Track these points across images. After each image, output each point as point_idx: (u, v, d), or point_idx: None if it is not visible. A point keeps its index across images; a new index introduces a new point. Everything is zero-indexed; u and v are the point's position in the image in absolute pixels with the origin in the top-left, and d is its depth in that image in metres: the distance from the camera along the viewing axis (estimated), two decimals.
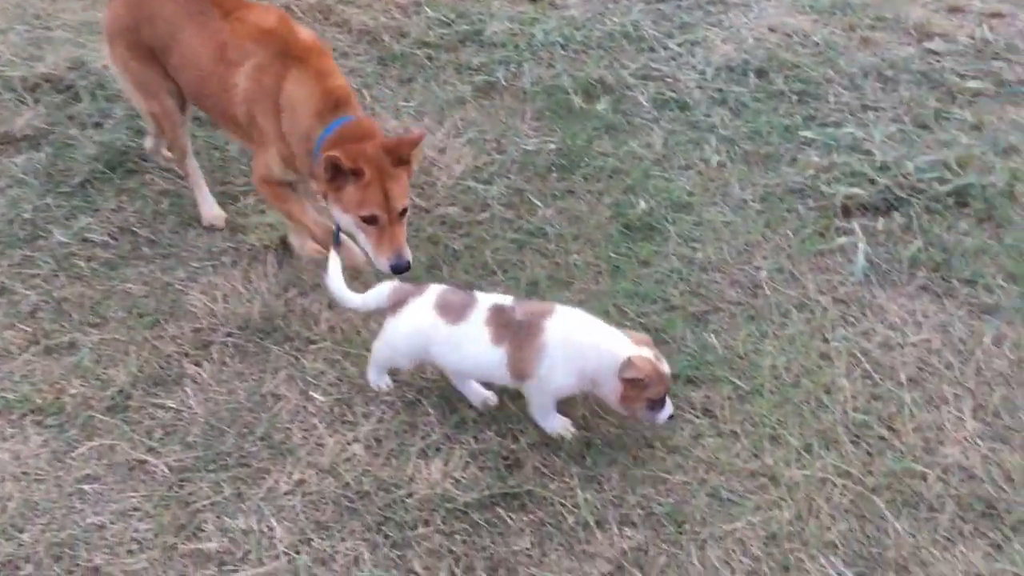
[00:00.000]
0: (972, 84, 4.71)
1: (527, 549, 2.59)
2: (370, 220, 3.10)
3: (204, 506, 2.71)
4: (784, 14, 5.45)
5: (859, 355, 3.19)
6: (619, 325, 3.24)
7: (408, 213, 3.22)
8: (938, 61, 4.94)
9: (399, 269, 3.12)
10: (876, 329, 3.30)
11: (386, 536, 2.63)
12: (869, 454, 2.85)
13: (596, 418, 2.97)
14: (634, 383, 2.69)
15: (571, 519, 2.67)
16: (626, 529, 2.65)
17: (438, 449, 2.88)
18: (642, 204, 3.88)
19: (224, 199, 3.94)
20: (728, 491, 2.74)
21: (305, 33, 3.39)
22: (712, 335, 3.28)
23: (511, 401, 3.00)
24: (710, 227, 3.82)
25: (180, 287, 3.48)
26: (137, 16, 3.50)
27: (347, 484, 2.77)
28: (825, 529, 2.63)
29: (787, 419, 2.97)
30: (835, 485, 2.75)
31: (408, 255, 3.15)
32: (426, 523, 2.65)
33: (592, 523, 2.65)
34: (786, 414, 2.98)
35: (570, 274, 3.59)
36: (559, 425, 2.89)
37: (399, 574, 2.53)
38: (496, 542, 2.61)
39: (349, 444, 2.89)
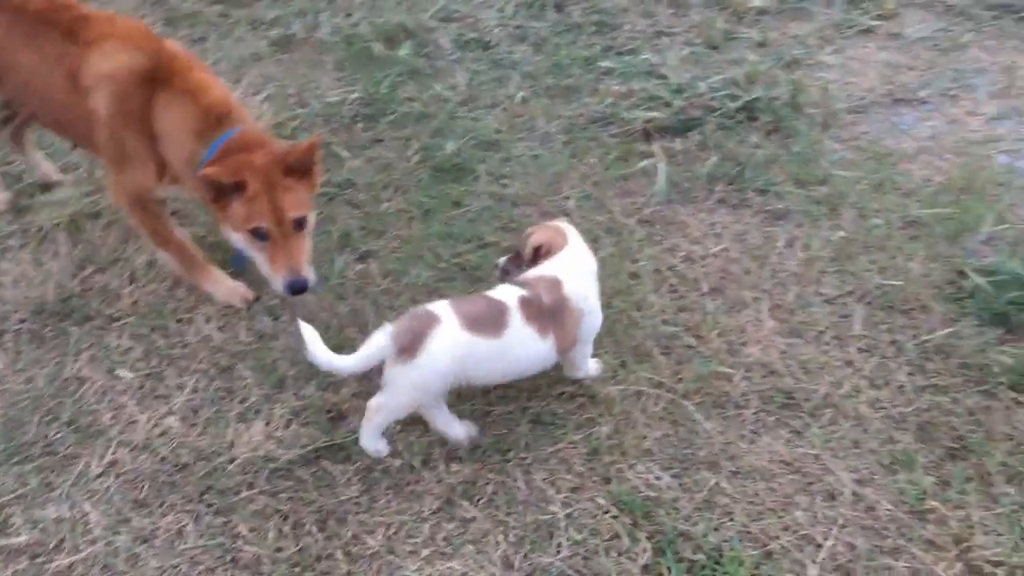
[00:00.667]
0: (757, 3, 4.92)
1: (355, 497, 2.58)
2: (259, 235, 2.82)
3: (9, 500, 2.56)
4: None
5: (665, 270, 3.32)
6: (435, 267, 3.26)
7: (311, 226, 2.95)
8: None
9: (295, 288, 2.84)
10: (680, 244, 3.44)
11: (208, 505, 2.56)
12: (679, 363, 2.97)
13: None
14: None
15: (398, 463, 2.67)
16: (453, 464, 2.67)
17: (257, 411, 2.82)
18: (450, 146, 3.88)
19: (7, 180, 3.68)
20: (550, 415, 2.81)
21: (169, 45, 3.08)
22: None
23: None
24: (518, 162, 3.86)
25: None
26: None
27: (163, 459, 2.68)
28: (641, 438, 2.74)
29: (602, 339, 3.04)
30: (649, 396, 2.86)
31: (307, 272, 2.86)
32: (250, 486, 2.60)
33: (418, 464, 2.67)
34: (601, 335, 3.06)
35: (382, 222, 3.55)
36: (595, 364, 2.91)
37: (225, 540, 2.47)
38: (324, 494, 2.58)
39: (163, 418, 2.80)
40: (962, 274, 3.23)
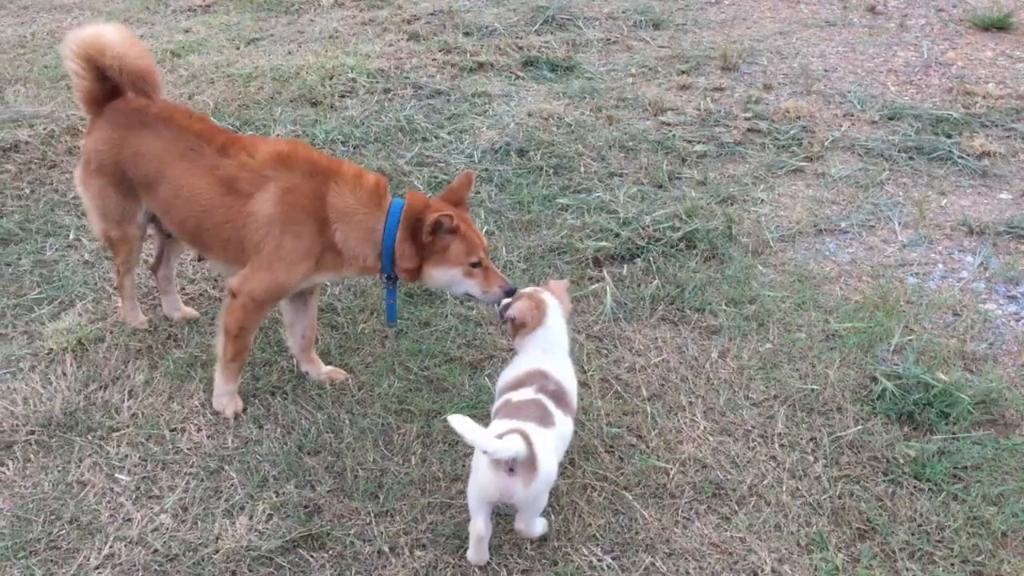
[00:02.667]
0: (698, 148, 5.50)
1: None
2: (476, 264, 3.36)
3: None
4: (541, 101, 6.16)
5: (611, 379, 3.71)
6: (405, 379, 3.64)
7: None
8: (670, 131, 5.73)
9: (511, 292, 3.33)
10: (624, 356, 3.84)
11: None
12: (621, 459, 3.33)
13: (386, 460, 3.31)
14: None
15: (368, 549, 2.98)
16: (418, 551, 2.98)
17: (242, 507, 3.13)
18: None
19: (19, 311, 4.09)
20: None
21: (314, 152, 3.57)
22: (487, 378, 3.71)
23: (308, 456, 3.31)
24: None
25: None
26: (119, 153, 3.59)
27: (156, 551, 2.97)
28: (587, 526, 3.06)
29: None
30: (594, 488, 3.20)
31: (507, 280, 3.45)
32: (232, 573, 2.89)
33: (387, 550, 2.98)
34: None
35: (358, 342, 3.95)
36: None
37: None
38: None
39: (156, 515, 3.10)
40: (873, 379, 3.64)
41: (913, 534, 3.01)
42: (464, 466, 3.26)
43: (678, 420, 3.51)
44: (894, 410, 3.49)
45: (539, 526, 2.98)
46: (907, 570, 2.88)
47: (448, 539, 3.01)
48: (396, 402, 3.57)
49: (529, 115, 5.93)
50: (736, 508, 3.13)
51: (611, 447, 3.39)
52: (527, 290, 3.28)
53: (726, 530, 3.05)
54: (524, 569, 2.92)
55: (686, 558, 2.95)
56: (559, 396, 2.98)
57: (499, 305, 3.32)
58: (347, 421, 3.49)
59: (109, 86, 3.59)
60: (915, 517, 3.07)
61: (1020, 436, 3.39)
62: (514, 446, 2.62)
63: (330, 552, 2.97)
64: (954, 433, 3.38)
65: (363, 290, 4.26)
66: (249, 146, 3.49)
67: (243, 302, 3.42)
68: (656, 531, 3.05)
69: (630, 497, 3.16)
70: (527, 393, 2.95)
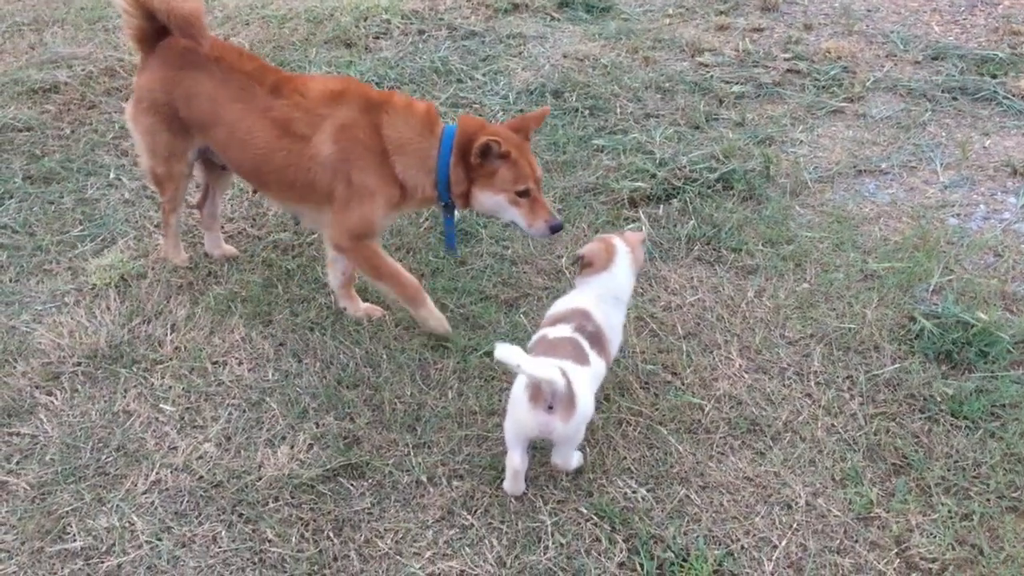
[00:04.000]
0: (736, 89, 5.42)
1: (368, 508, 2.94)
2: (523, 193, 3.35)
3: (66, 512, 2.93)
4: (576, 42, 6.08)
5: (647, 318, 3.71)
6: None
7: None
8: (708, 72, 5.66)
9: (557, 228, 3.39)
10: (660, 295, 3.84)
11: (240, 515, 2.93)
12: (656, 395, 3.35)
13: (423, 394, 3.35)
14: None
15: (406, 479, 3.04)
16: (455, 481, 3.03)
17: (283, 437, 3.20)
18: (457, 213, 4.32)
19: (62, 247, 4.16)
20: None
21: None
22: (522, 316, 3.74)
23: (347, 389, 3.36)
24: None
25: (26, 329, 3.67)
26: (172, 92, 3.60)
27: (201, 477, 3.05)
28: (621, 459, 3.10)
29: None
30: (629, 423, 3.23)
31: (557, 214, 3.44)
32: (276, 499, 2.97)
33: (425, 480, 3.03)
34: None
35: None
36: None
37: (254, 544, 2.83)
38: (340, 506, 2.94)
39: (200, 444, 3.18)
40: (912, 319, 3.61)
41: (949, 470, 3.01)
42: (500, 401, 3.30)
43: (713, 358, 3.52)
44: (932, 349, 3.46)
45: (575, 460, 3.02)
46: (942, 504, 2.89)
47: (484, 470, 3.06)
48: (433, 339, 3.61)
49: (564, 56, 5.87)
50: (771, 444, 3.15)
51: (646, 383, 3.41)
52: (605, 236, 3.28)
53: (760, 464, 3.08)
54: (560, 500, 2.96)
55: (720, 491, 2.98)
56: (596, 338, 2.99)
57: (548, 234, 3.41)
58: (385, 356, 3.53)
59: (159, 25, 3.59)
60: (951, 453, 3.07)
61: None
62: (555, 376, 2.65)
63: (369, 481, 3.03)
64: (993, 372, 3.36)
65: (399, 229, 4.28)
66: (301, 86, 3.50)
67: (350, 247, 3.50)
68: (690, 465, 3.08)
69: (665, 432, 3.19)
70: (564, 331, 2.97)
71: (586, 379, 2.85)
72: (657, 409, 3.29)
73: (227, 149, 3.63)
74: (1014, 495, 2.92)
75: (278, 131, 3.46)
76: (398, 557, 2.79)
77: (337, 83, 3.52)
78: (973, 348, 3.43)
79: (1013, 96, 5.22)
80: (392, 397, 3.34)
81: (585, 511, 2.91)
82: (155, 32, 3.62)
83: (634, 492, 2.98)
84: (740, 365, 3.48)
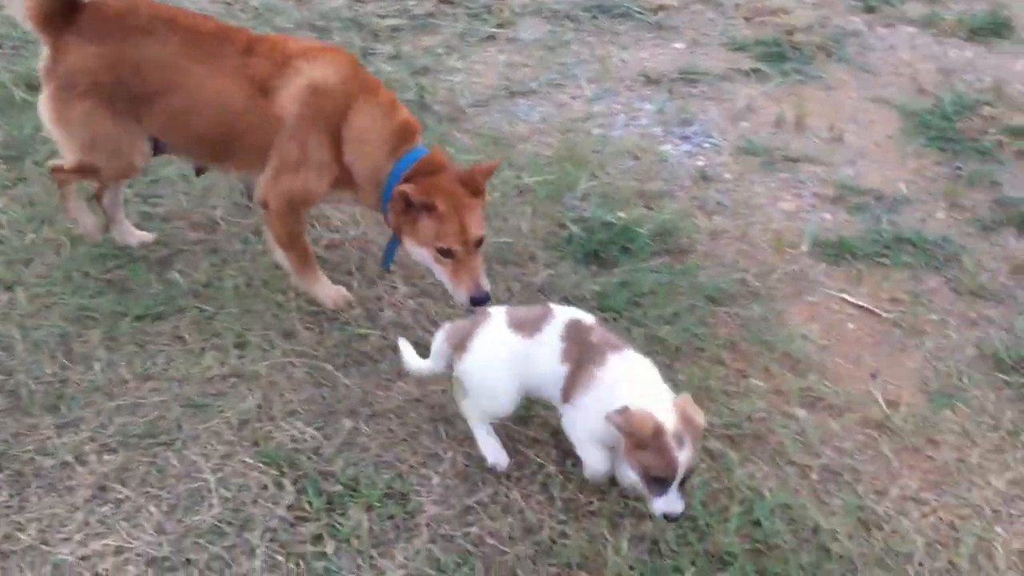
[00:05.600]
0: (390, 22, 5.41)
1: (5, 502, 2.66)
2: (446, 253, 3.03)
3: None
4: None
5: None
6: (84, 286, 3.38)
7: (484, 243, 3.16)
8: (362, 7, 5.59)
9: (479, 301, 3.02)
10: (323, 234, 3.79)
11: None
12: (321, 333, 3.29)
13: (66, 371, 3.08)
14: (627, 437, 2.38)
15: (50, 463, 2.77)
16: (106, 456, 2.81)
17: None
18: None
19: None
20: (201, 396, 3.02)
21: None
22: (176, 273, 3.52)
23: None
24: (167, 182, 4.04)
25: None
26: (116, 68, 3.13)
27: None
28: (288, 402, 3.01)
29: (251, 325, 3.30)
30: (294, 365, 3.15)
31: (487, 285, 3.09)
32: None
33: (72, 460, 2.78)
34: (249, 321, 3.32)
35: (30, 253, 3.60)
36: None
37: None
38: None
39: None
40: (562, 226, 3.80)
41: None
42: (154, 365, 3.11)
43: (379, 289, 3.51)
44: (581, 252, 3.67)
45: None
46: None
47: (140, 439, 2.86)
48: (76, 309, 3.31)
49: (211, 2, 5.55)
50: None
51: (310, 325, 3.33)
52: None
53: (428, 384, 3.11)
54: (224, 455, 2.83)
55: (388, 417, 2.99)
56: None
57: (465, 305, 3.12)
58: (18, 336, 3.19)
59: None
60: None
61: (692, 261, 3.68)
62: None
63: (5, 473, 2.74)
64: (634, 266, 3.61)
65: (32, 199, 3.88)
66: (280, 43, 3.23)
67: (277, 211, 3.26)
68: (359, 397, 3.06)
69: (331, 368, 3.15)
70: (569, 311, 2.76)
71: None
72: (323, 347, 3.23)
73: (180, 123, 3.24)
74: None
75: (254, 89, 3.14)
76: (43, 547, 2.54)
77: (325, 47, 3.28)
78: (616, 246, 3.67)
79: (645, 11, 5.60)
80: (28, 379, 3.03)
81: (251, 461, 2.81)
82: (62, 6, 3.10)
83: (302, 434, 2.91)
84: (404, 292, 3.50)
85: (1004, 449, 3.00)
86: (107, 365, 3.12)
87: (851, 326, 3.47)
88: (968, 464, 2.94)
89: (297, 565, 2.51)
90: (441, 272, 3.12)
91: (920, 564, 2.59)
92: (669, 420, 2.36)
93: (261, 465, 2.79)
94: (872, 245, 3.83)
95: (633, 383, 2.53)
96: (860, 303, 3.56)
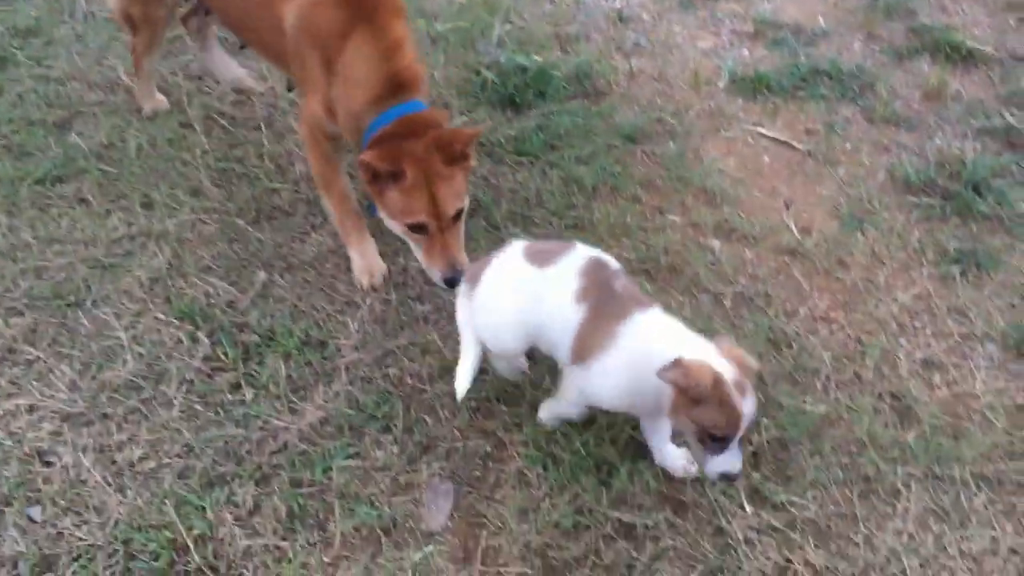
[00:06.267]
0: None
1: None
2: (417, 228, 2.65)
3: None
4: None
5: (215, 116, 3.52)
6: None
7: (464, 215, 2.74)
8: None
9: (452, 283, 2.64)
10: (227, 92, 3.63)
11: None
12: (231, 190, 3.21)
13: None
14: (682, 392, 2.00)
15: None
16: (14, 319, 2.74)
17: None
18: None
19: None
20: (108, 258, 2.94)
21: None
22: (76, 136, 3.38)
23: None
24: (62, 44, 3.84)
25: None
26: None
27: None
28: (199, 259, 2.96)
29: (157, 184, 3.21)
30: (204, 222, 3.08)
31: (464, 263, 2.66)
32: None
33: None
34: (155, 181, 3.23)
35: None
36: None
37: None
38: None
39: None
40: (476, 72, 3.70)
41: (513, 203, 3.18)
42: (59, 226, 3.02)
43: (288, 143, 3.41)
44: (496, 97, 3.59)
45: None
46: (510, 234, 3.05)
47: (48, 300, 2.80)
48: None
49: None
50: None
51: (218, 182, 3.25)
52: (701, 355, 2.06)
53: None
54: (137, 312, 2.78)
55: (304, 269, 2.96)
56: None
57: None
58: None
59: None
60: (516, 188, 3.24)
61: (609, 102, 3.63)
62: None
63: None
64: (550, 109, 3.55)
65: None
66: None
67: (303, 135, 2.95)
68: (272, 250, 3.01)
69: (243, 223, 3.08)
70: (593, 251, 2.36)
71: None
72: (232, 202, 3.15)
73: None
74: (572, 213, 3.16)
75: None
76: None
77: None
78: (531, 90, 3.60)
79: None
80: None
81: (164, 317, 2.77)
82: None
83: (215, 288, 2.87)
84: None
85: (911, 267, 3.08)
86: (8, 230, 3.02)
87: (766, 159, 3.49)
88: (876, 283, 3.01)
89: (216, 413, 2.51)
90: (414, 247, 2.76)
91: (827, 378, 2.68)
92: (727, 369, 2.00)
93: (175, 320, 2.76)
94: (789, 79, 3.82)
95: (668, 339, 2.12)
96: (775, 136, 3.57)
